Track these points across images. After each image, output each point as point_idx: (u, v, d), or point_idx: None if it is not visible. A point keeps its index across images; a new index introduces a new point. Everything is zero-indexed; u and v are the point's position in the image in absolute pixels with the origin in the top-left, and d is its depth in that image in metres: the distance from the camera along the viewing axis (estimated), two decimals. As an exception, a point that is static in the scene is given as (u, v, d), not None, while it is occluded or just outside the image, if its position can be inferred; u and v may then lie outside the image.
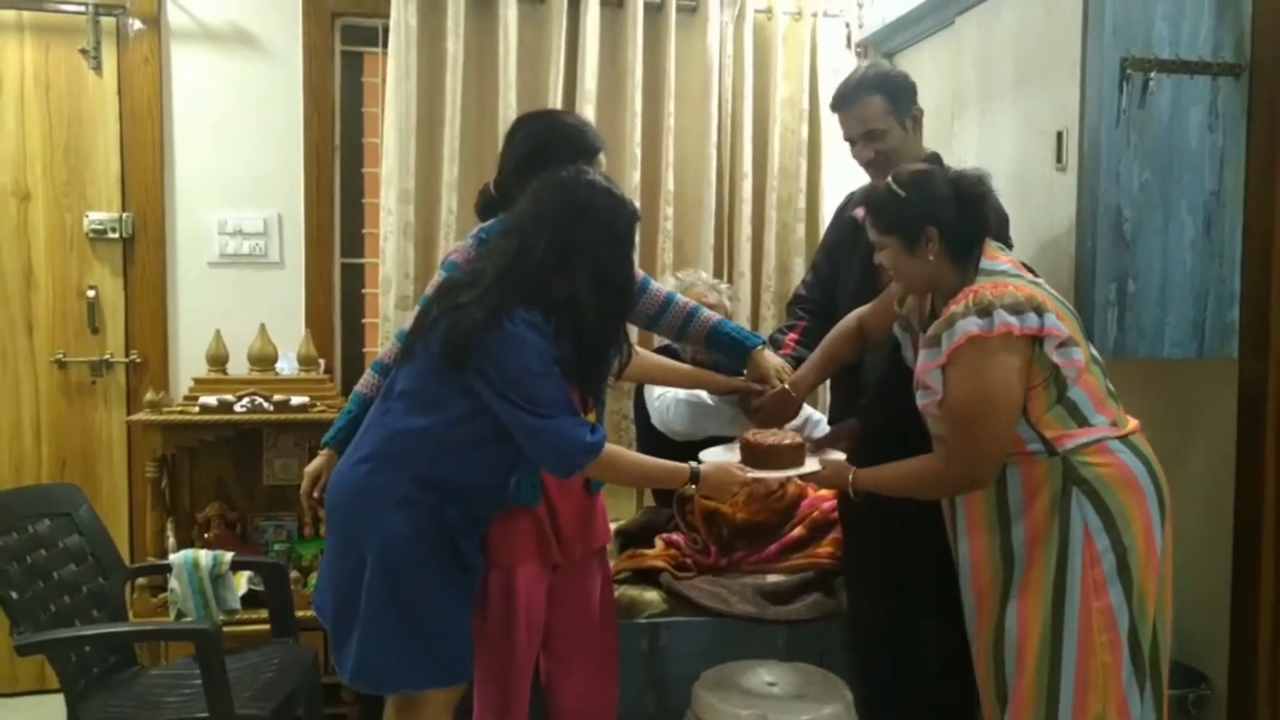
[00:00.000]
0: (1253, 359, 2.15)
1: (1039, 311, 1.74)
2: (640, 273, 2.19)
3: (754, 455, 2.02)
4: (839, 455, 2.06)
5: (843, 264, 2.36)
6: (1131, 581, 1.78)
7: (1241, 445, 2.19)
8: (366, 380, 2.15)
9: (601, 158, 2.13)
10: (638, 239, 3.12)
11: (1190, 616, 2.36)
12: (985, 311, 1.74)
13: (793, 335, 2.40)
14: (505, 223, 1.92)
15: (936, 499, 1.95)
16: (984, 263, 1.84)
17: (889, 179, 1.90)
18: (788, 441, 2.02)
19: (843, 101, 2.25)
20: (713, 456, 2.09)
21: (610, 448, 1.85)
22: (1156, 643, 1.83)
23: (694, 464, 1.96)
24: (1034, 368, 1.77)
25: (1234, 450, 2.21)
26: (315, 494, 2.10)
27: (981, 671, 1.90)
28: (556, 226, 1.82)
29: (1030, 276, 1.86)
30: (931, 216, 1.82)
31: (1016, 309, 1.73)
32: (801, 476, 2.10)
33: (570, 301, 1.81)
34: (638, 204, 3.15)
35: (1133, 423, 1.87)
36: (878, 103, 2.19)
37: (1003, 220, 2.10)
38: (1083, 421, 1.79)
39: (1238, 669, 2.20)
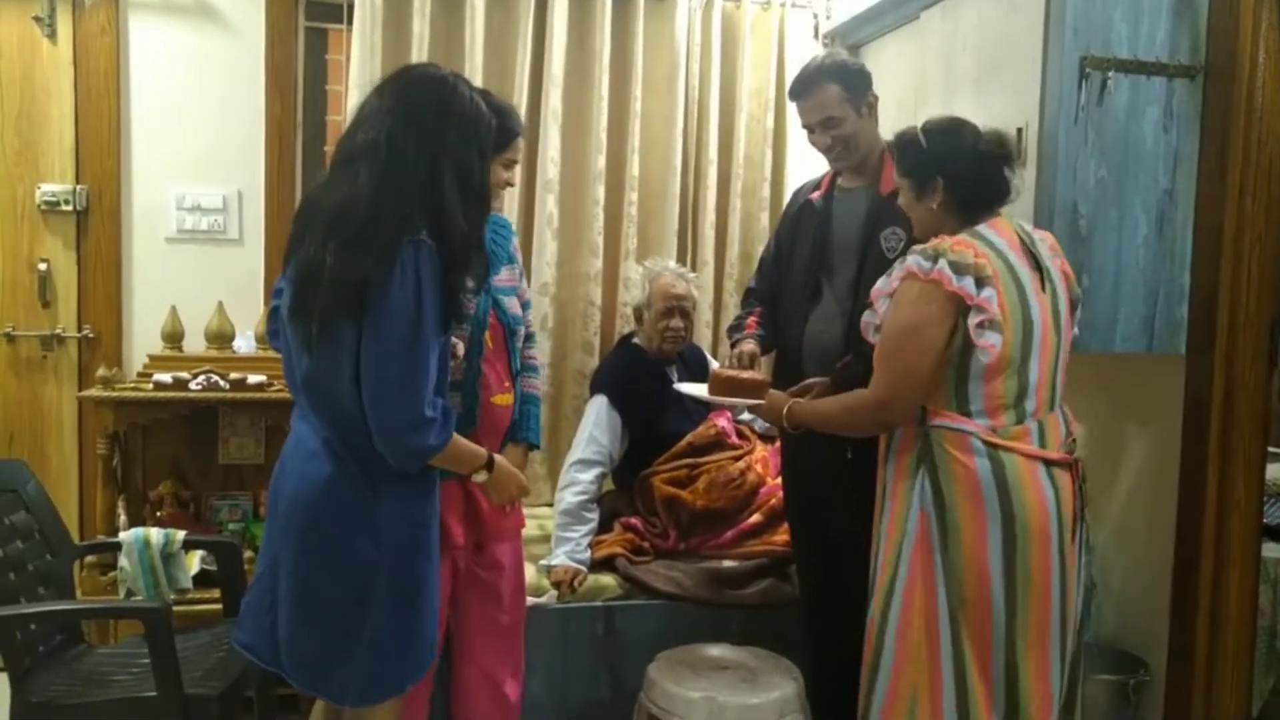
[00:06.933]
0: (1199, 355, 2.20)
1: (980, 282, 1.75)
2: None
3: (719, 384, 2.16)
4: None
5: (794, 253, 2.40)
6: (956, 580, 1.77)
7: (1186, 439, 2.24)
8: None
9: None
10: (601, 224, 3.18)
11: (1132, 605, 2.42)
12: (933, 257, 1.77)
13: (753, 318, 2.47)
14: (359, 121, 1.77)
15: (860, 436, 1.95)
16: (982, 228, 1.85)
17: (919, 126, 1.92)
18: (746, 376, 2.17)
19: (800, 90, 2.29)
20: (687, 389, 2.33)
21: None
22: (1013, 675, 1.76)
23: (493, 454, 1.87)
24: (952, 339, 1.77)
25: (1179, 443, 2.26)
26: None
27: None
28: (423, 127, 1.69)
29: (1022, 263, 1.81)
30: (943, 168, 1.86)
31: (960, 268, 1.75)
32: (750, 408, 2.20)
33: (442, 213, 1.68)
34: (601, 190, 3.17)
35: (1024, 445, 1.80)
36: (834, 91, 2.24)
37: None
38: (964, 413, 1.80)
39: (1176, 657, 2.25)
